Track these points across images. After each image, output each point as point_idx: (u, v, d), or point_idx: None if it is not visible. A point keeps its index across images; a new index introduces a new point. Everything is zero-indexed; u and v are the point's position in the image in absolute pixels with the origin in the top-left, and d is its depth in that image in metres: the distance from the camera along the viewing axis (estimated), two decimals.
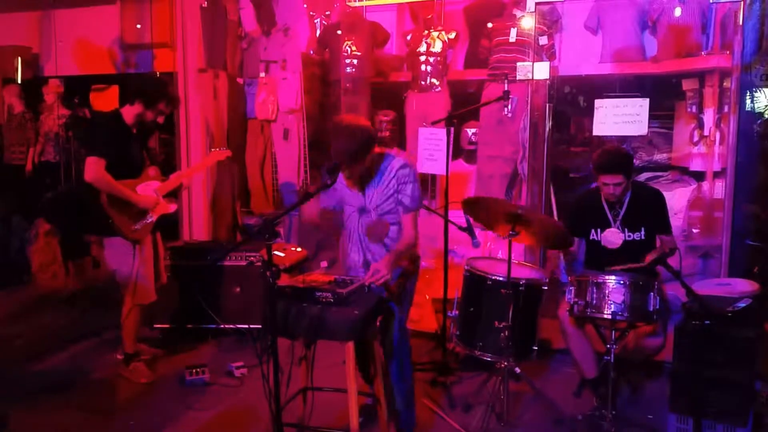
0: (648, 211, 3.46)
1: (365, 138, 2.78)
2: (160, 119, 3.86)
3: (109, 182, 3.60)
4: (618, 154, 3.39)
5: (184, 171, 5.15)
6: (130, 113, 3.76)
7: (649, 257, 3.24)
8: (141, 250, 3.80)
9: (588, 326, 3.39)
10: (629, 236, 3.43)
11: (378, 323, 2.82)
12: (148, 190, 3.82)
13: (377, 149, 2.90)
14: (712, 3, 4.45)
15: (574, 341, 3.38)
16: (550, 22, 5.18)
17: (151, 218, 3.84)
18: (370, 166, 2.90)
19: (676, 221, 5.05)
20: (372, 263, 2.87)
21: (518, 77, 4.49)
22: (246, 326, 4.47)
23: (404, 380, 3.05)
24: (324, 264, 3.03)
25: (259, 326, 4.25)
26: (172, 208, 3.96)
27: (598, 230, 3.47)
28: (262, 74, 5.82)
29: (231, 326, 4.49)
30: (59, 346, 4.45)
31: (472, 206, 3.59)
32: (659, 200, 3.50)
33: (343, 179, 2.98)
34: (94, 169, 3.55)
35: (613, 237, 3.41)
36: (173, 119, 5.47)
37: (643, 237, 3.44)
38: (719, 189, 4.84)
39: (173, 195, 4.07)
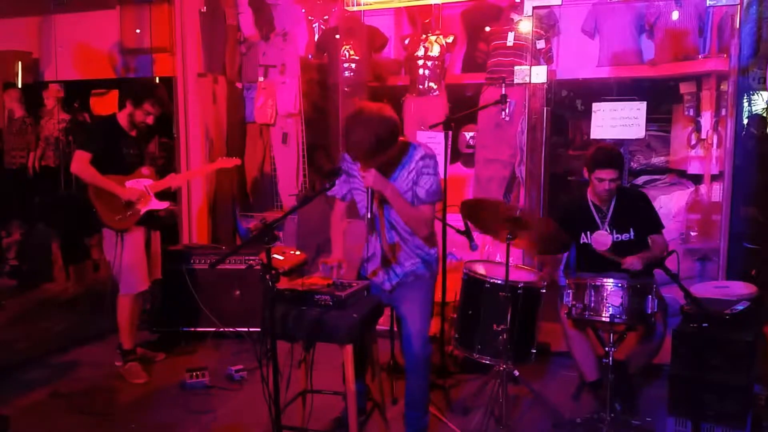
0: (635, 211, 3.50)
1: (388, 131, 2.55)
2: (150, 119, 3.94)
3: (93, 174, 3.78)
4: (613, 150, 3.49)
5: (183, 173, 5.17)
6: (123, 115, 3.93)
7: (629, 259, 3.26)
8: (126, 239, 3.89)
9: (589, 329, 3.41)
10: (617, 237, 3.46)
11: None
12: (138, 185, 3.95)
13: (401, 138, 2.70)
14: (709, 6, 4.46)
15: (575, 344, 3.40)
16: (548, 25, 5.19)
17: (138, 211, 3.94)
18: (391, 158, 2.69)
19: (674, 224, 5.06)
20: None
21: (516, 81, 4.50)
22: (246, 329, 4.49)
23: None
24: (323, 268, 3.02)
25: (259, 329, 4.25)
26: (161, 205, 4.05)
27: (588, 233, 3.50)
28: (261, 78, 5.84)
29: (231, 329, 4.51)
30: (60, 349, 4.46)
31: (470, 209, 3.61)
32: (645, 200, 3.58)
33: (357, 169, 2.77)
34: (77, 161, 3.79)
35: (602, 238, 3.43)
36: (172, 124, 5.49)
37: (632, 237, 3.48)
38: (717, 192, 4.85)
39: (171, 196, 4.11)
